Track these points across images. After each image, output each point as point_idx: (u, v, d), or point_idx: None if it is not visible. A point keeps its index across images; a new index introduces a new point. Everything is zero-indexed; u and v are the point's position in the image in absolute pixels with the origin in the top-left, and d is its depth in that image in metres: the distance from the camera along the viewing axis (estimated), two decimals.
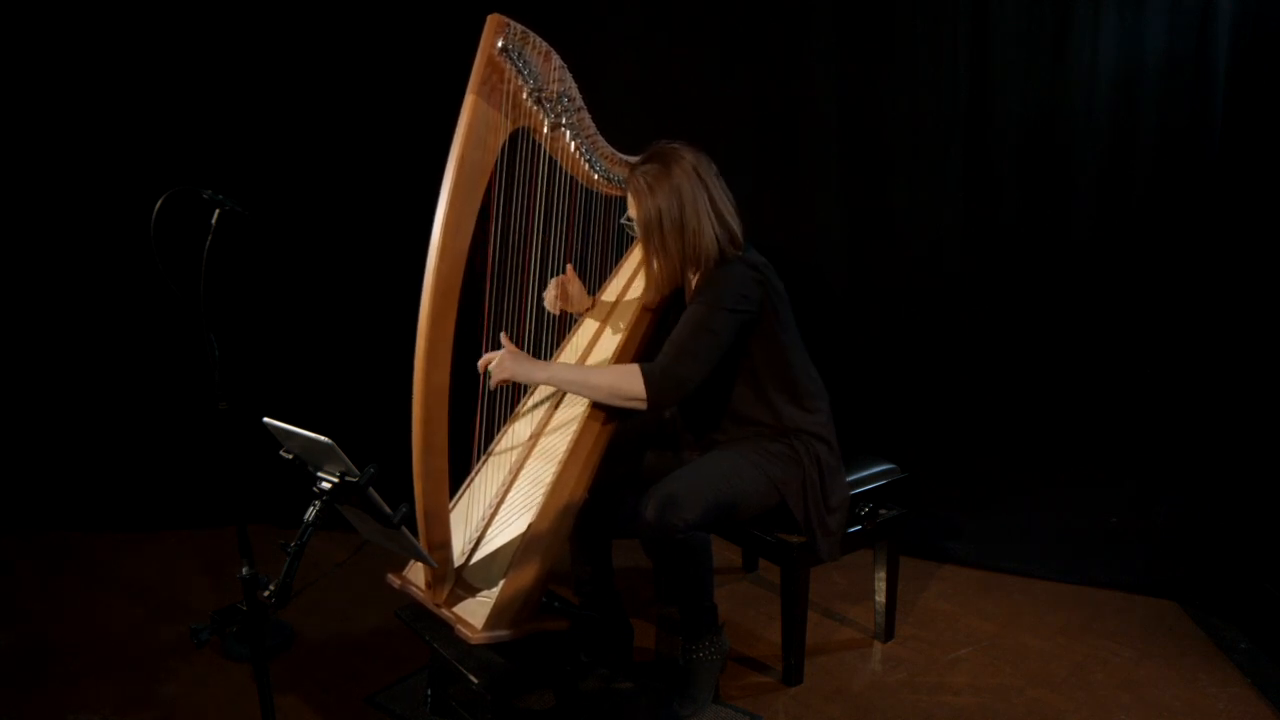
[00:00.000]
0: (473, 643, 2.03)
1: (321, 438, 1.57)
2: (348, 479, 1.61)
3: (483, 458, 2.34)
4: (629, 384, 2.17)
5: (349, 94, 3.39)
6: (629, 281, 2.55)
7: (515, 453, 2.35)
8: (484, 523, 2.24)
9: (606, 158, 2.30)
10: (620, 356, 2.35)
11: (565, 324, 2.54)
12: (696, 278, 2.32)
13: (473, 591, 2.12)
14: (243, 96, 3.39)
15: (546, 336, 2.42)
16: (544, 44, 2.05)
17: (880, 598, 2.63)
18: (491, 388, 2.23)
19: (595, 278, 2.57)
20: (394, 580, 2.24)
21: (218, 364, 2.24)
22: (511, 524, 2.18)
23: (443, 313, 1.92)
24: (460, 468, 2.26)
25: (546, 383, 2.30)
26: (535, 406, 2.44)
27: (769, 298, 2.26)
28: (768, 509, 2.33)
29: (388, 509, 1.67)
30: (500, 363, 2.21)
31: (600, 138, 2.26)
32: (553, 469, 2.21)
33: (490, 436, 2.34)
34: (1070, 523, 3.09)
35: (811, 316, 2.56)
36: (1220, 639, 2.60)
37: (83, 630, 2.82)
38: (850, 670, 2.54)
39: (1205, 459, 2.93)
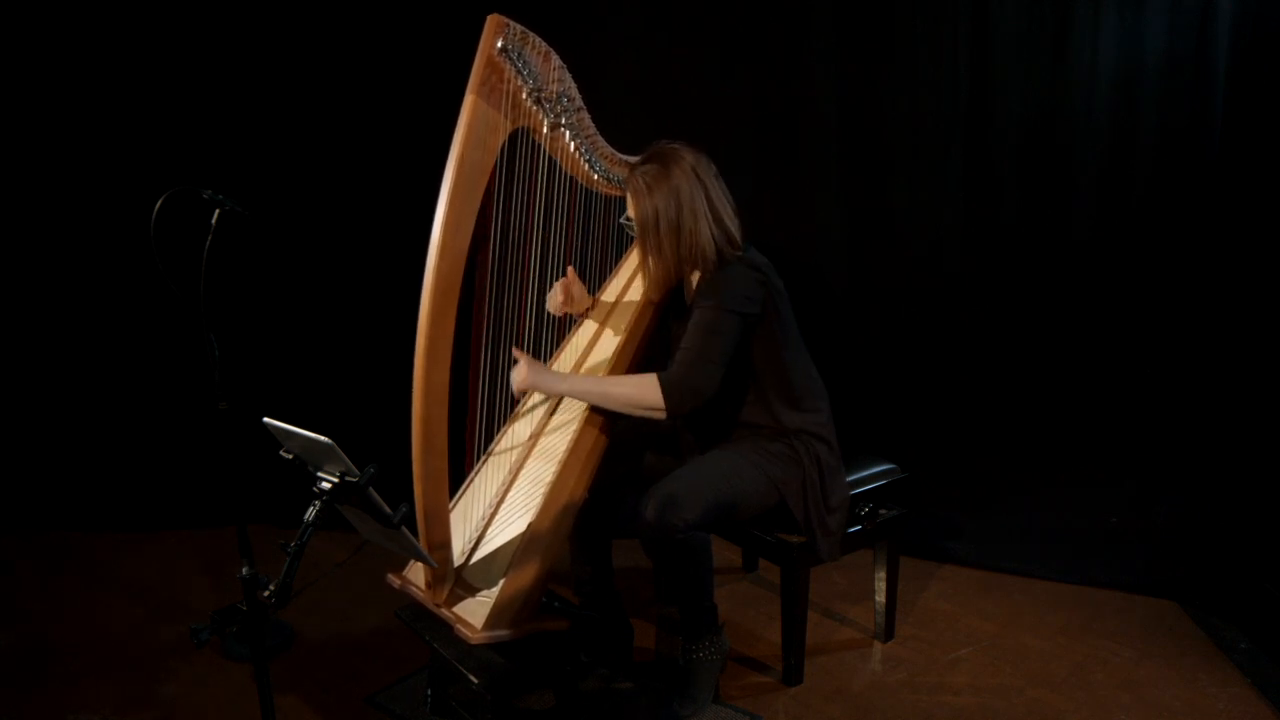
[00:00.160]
0: (473, 643, 2.03)
1: (321, 438, 1.57)
2: (348, 479, 1.61)
3: (483, 458, 2.34)
4: (648, 394, 2.18)
5: (349, 94, 3.39)
6: (629, 281, 2.55)
7: (515, 452, 2.35)
8: (484, 523, 2.24)
9: (606, 158, 2.30)
10: (620, 357, 2.35)
11: (565, 323, 2.54)
12: (697, 279, 2.32)
13: (473, 591, 2.12)
14: (243, 96, 3.39)
15: (546, 336, 2.42)
16: (544, 44, 2.05)
17: (880, 598, 2.63)
18: (517, 396, 2.28)
19: (595, 278, 2.57)
20: (394, 580, 2.24)
21: (218, 364, 2.24)
22: (511, 524, 2.18)
23: (443, 312, 1.92)
24: (460, 467, 2.26)
25: (566, 394, 2.30)
26: (535, 406, 2.44)
27: (771, 298, 2.27)
28: (768, 509, 2.33)
29: (388, 509, 1.67)
30: (519, 372, 2.24)
31: (600, 138, 2.26)
32: (553, 469, 2.21)
33: (490, 436, 2.34)
34: (1070, 523, 3.09)
35: (811, 316, 2.56)
36: (1220, 639, 2.60)
37: (83, 630, 2.82)
38: (850, 670, 2.54)
39: (1205, 459, 2.93)
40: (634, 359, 2.37)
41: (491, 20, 1.95)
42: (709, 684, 2.35)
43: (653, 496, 2.17)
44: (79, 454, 3.60)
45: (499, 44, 1.96)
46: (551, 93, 2.10)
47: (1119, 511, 3.06)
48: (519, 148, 2.14)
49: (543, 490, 2.19)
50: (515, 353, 2.27)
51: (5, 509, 3.54)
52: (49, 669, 2.63)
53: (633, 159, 2.31)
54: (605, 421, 2.28)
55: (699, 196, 2.22)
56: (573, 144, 2.21)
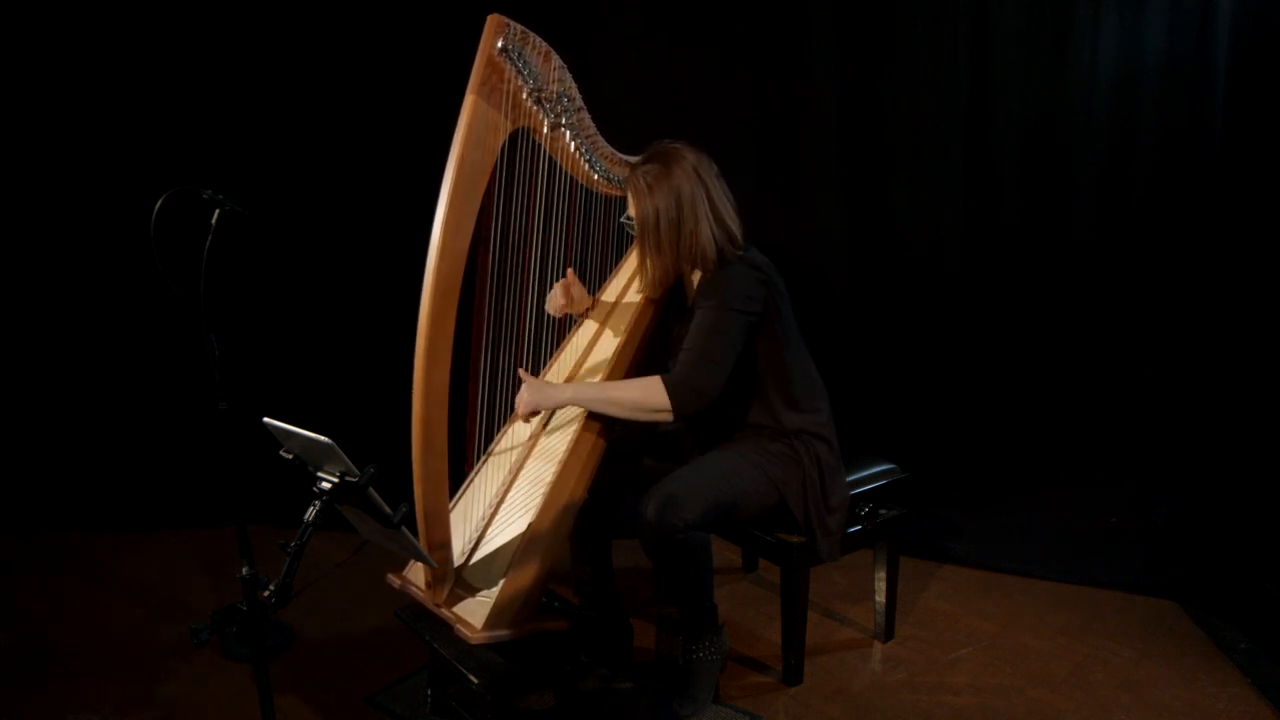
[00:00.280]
0: (473, 643, 2.03)
1: (321, 438, 1.57)
2: (348, 479, 1.61)
3: (483, 458, 2.34)
4: (653, 397, 2.18)
5: (349, 94, 3.39)
6: (629, 282, 2.55)
7: (515, 453, 2.35)
8: (484, 523, 2.24)
9: (606, 158, 2.30)
10: (620, 357, 2.35)
11: (565, 324, 2.54)
12: (698, 279, 2.32)
13: (473, 591, 2.12)
14: (243, 96, 3.39)
15: (546, 337, 2.42)
16: (544, 44, 2.05)
17: (880, 598, 2.63)
18: (525, 421, 2.30)
19: (595, 277, 2.57)
20: (394, 580, 2.24)
21: (218, 364, 2.24)
22: (511, 524, 2.18)
23: (443, 312, 1.92)
24: (460, 468, 2.26)
25: (571, 403, 2.29)
26: None
27: (772, 298, 2.27)
28: (768, 509, 2.33)
29: (388, 509, 1.67)
30: (521, 399, 2.24)
31: (600, 138, 2.26)
32: (553, 469, 2.21)
33: (490, 437, 2.34)
34: (1070, 523, 3.09)
35: (811, 316, 2.56)
36: (1220, 639, 2.60)
37: (83, 630, 2.82)
38: (850, 670, 2.54)
39: (1205, 459, 2.93)
40: (634, 359, 2.37)
41: (492, 20, 1.95)
42: (709, 684, 2.35)
43: (653, 496, 2.17)
44: (79, 454, 3.60)
45: (499, 44, 1.96)
46: (552, 93, 2.10)
47: (1119, 511, 3.06)
48: (519, 148, 2.14)
49: (543, 490, 2.19)
50: (520, 373, 2.27)
51: (5, 509, 3.54)
52: (49, 669, 2.63)
53: (633, 159, 2.31)
54: (605, 422, 2.28)
55: (700, 196, 2.22)
56: (573, 144, 2.21)
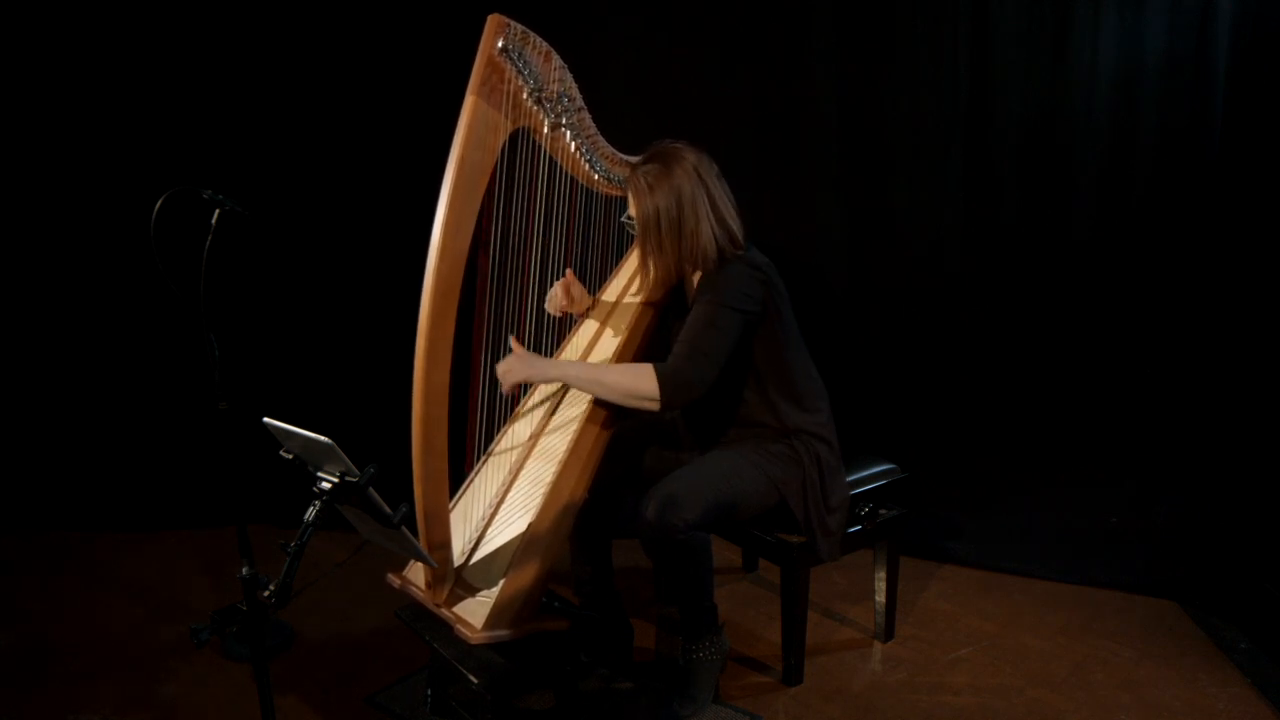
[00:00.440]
0: (473, 643, 2.03)
1: (321, 438, 1.57)
2: (348, 479, 1.61)
3: (483, 458, 2.34)
4: (643, 384, 2.17)
5: (349, 94, 3.39)
6: (629, 281, 2.55)
7: (515, 453, 2.35)
8: (484, 523, 2.24)
9: (607, 158, 2.30)
10: (620, 357, 2.35)
11: (565, 324, 2.54)
12: (698, 279, 2.32)
13: (472, 591, 2.12)
14: (243, 96, 3.39)
15: (546, 337, 2.42)
16: (544, 44, 2.05)
17: (880, 598, 2.63)
18: (505, 394, 2.24)
19: (595, 277, 2.57)
20: (394, 580, 2.24)
21: (218, 364, 2.24)
22: (511, 524, 2.18)
23: (443, 313, 1.92)
24: (460, 468, 2.26)
25: (558, 379, 2.30)
26: (535, 406, 2.44)
27: (771, 297, 2.26)
28: (768, 509, 2.33)
29: (388, 509, 1.67)
30: (509, 368, 2.22)
31: (600, 138, 2.26)
32: (553, 469, 2.21)
33: (490, 436, 2.34)
34: (1070, 523, 3.09)
35: (811, 316, 2.56)
36: (1220, 639, 2.60)
37: (83, 630, 2.82)
38: (850, 670, 2.54)
39: (1205, 459, 2.93)
40: (634, 359, 2.37)
41: (492, 20, 1.95)
42: (709, 684, 2.35)
43: (653, 497, 2.17)
44: (79, 454, 3.60)
45: (499, 44, 1.96)
46: (552, 93, 2.10)
47: (1119, 511, 3.06)
48: (519, 148, 2.14)
49: (543, 490, 2.19)
50: (512, 341, 2.26)
51: (5, 509, 3.54)
52: (49, 669, 2.63)
53: (633, 159, 2.31)
54: (606, 421, 2.28)
55: (700, 196, 2.22)
56: (573, 144, 2.21)
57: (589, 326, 2.52)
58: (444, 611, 2.11)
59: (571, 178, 2.29)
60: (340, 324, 3.54)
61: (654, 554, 2.23)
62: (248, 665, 2.55)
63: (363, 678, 2.54)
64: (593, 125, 2.23)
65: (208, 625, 1.63)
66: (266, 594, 1.59)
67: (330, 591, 3.03)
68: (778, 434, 2.33)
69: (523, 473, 2.29)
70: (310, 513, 1.65)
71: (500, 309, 2.24)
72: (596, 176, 2.31)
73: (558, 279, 2.44)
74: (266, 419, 1.69)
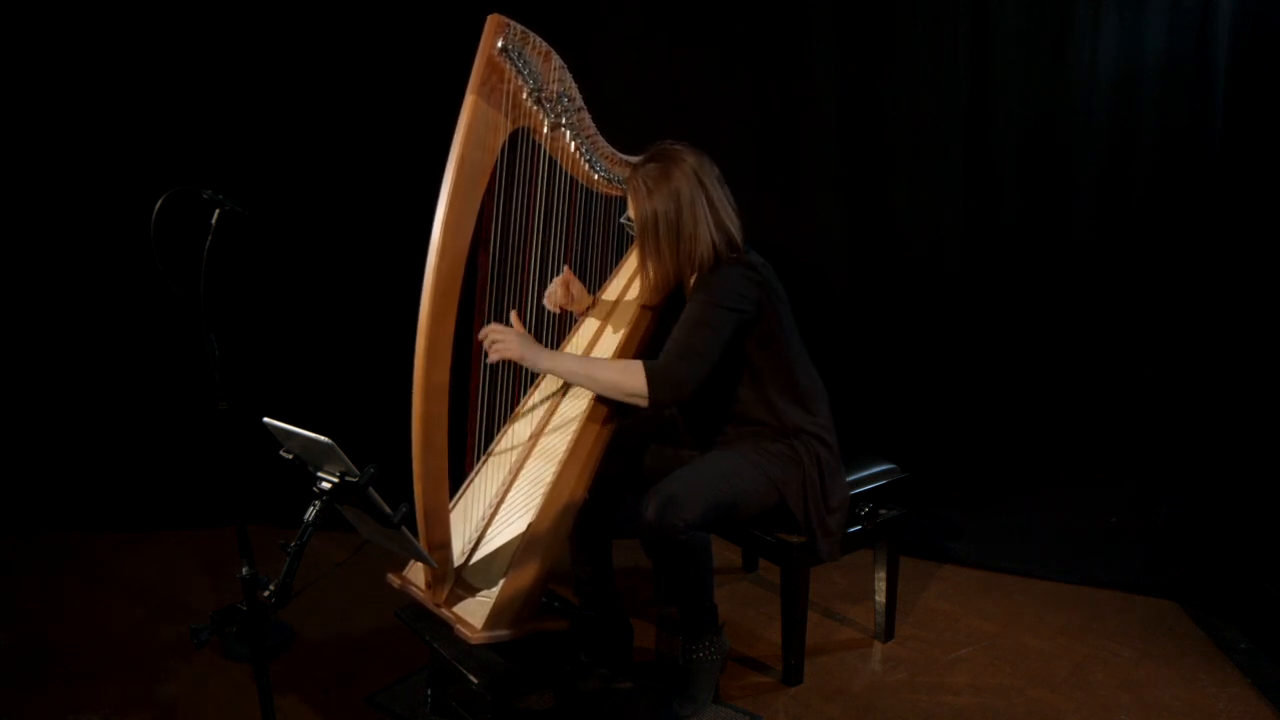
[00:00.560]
0: (473, 643, 2.03)
1: (321, 438, 1.57)
2: (348, 479, 1.61)
3: (483, 457, 2.34)
4: (631, 380, 2.17)
5: (349, 94, 3.39)
6: (629, 281, 2.55)
7: (515, 452, 2.35)
8: (484, 522, 2.24)
9: (606, 158, 2.30)
10: (619, 356, 2.35)
11: (565, 323, 2.54)
12: (694, 279, 2.32)
13: (472, 591, 2.12)
14: (243, 96, 3.39)
15: (546, 336, 2.42)
16: (544, 44, 2.05)
17: (880, 598, 2.63)
18: (490, 362, 2.21)
19: (595, 277, 2.57)
20: (394, 580, 2.24)
21: (218, 364, 2.24)
22: (511, 524, 2.18)
23: (443, 312, 1.92)
24: (460, 468, 2.26)
25: (550, 370, 2.30)
26: (535, 406, 2.44)
27: (767, 298, 2.26)
28: (768, 509, 2.33)
29: (388, 509, 1.67)
30: (507, 341, 2.20)
31: (600, 138, 2.26)
32: (553, 469, 2.21)
33: (490, 436, 2.34)
34: (1070, 523, 3.09)
35: (811, 316, 2.56)
36: (1220, 639, 2.60)
37: (83, 630, 2.82)
38: (850, 670, 2.54)
39: (1205, 459, 2.93)
40: (634, 358, 2.36)
41: (492, 20, 1.95)
42: (709, 684, 2.35)
43: (653, 497, 2.17)
44: (79, 454, 3.60)
45: (499, 44, 1.96)
46: (552, 93, 2.10)
47: (1119, 511, 3.06)
48: (519, 148, 2.14)
49: (543, 490, 2.19)
50: (514, 318, 2.25)
51: (5, 509, 3.54)
52: (49, 669, 2.63)
53: (633, 159, 2.31)
54: (606, 420, 2.28)
55: (699, 199, 2.21)
56: (573, 144, 2.21)
57: (589, 326, 2.52)
58: (444, 611, 2.11)
59: (571, 177, 2.29)
60: (340, 323, 3.54)
61: (654, 554, 2.23)
62: (248, 665, 2.55)
63: (363, 678, 2.54)
64: (592, 125, 2.23)
65: (208, 625, 1.64)
66: (266, 594, 1.59)
67: (330, 591, 3.03)
68: (777, 434, 2.33)
69: (523, 472, 2.29)
70: (310, 513, 1.65)
71: (500, 308, 2.24)
72: (596, 176, 2.31)
73: (557, 278, 2.44)
74: (266, 419, 1.69)
